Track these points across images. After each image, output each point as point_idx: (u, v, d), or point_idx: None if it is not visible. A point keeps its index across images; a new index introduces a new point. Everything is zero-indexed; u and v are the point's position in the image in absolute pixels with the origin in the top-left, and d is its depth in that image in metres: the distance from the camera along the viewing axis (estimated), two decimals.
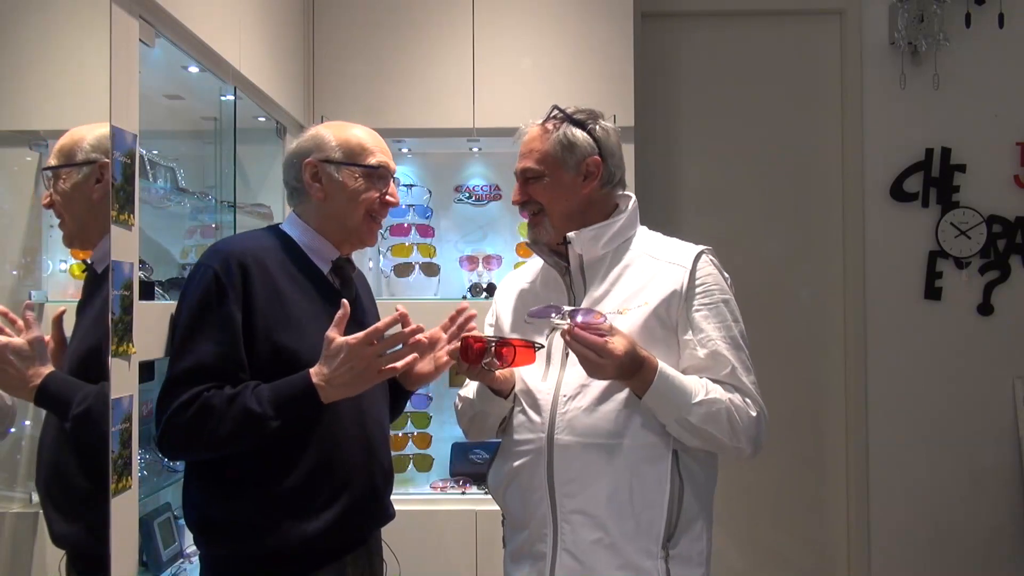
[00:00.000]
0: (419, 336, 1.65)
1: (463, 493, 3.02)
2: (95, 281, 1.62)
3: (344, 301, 1.63)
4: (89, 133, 1.63)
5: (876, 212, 3.51)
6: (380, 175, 1.78)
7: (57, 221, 1.67)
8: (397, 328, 1.63)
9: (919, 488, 3.48)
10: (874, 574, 3.48)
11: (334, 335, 1.59)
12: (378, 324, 1.61)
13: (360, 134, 1.80)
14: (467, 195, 3.29)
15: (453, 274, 3.25)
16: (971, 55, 3.49)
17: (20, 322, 1.51)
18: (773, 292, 3.55)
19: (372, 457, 1.76)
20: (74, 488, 1.63)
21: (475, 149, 3.29)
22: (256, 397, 1.58)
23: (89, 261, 1.67)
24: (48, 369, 1.52)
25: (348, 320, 1.75)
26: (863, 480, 3.50)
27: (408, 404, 2.19)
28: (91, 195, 1.60)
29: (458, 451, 3.14)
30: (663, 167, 3.54)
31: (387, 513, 1.85)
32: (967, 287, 3.49)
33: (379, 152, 1.79)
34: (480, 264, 3.19)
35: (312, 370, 1.60)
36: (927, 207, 3.50)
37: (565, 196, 1.75)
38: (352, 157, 1.76)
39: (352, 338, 1.58)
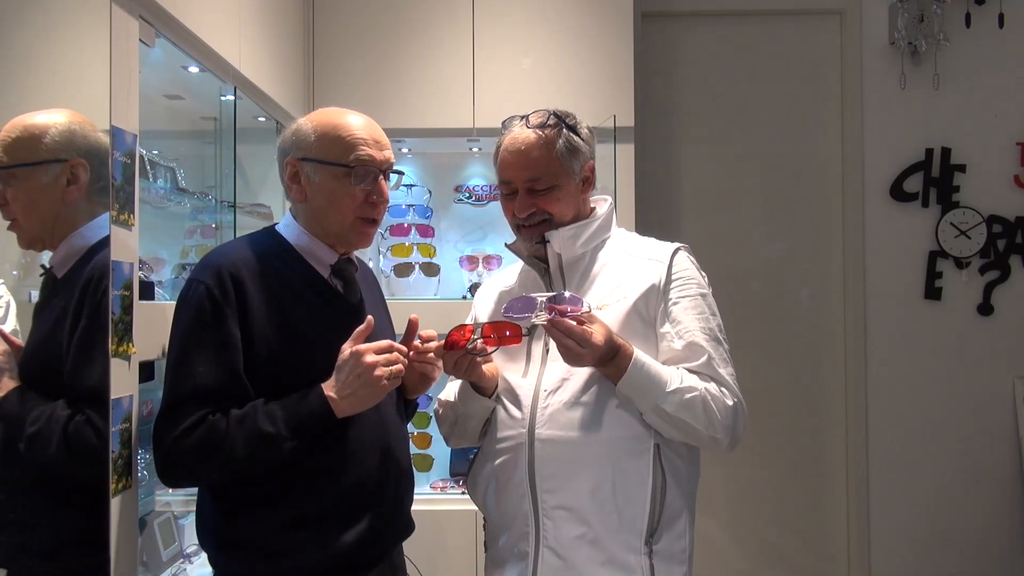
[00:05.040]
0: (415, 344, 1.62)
1: (463, 493, 3.02)
2: (54, 286, 1.55)
3: (370, 318, 1.58)
4: (52, 125, 1.51)
5: (876, 212, 3.51)
6: (359, 174, 1.60)
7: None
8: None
9: (919, 488, 3.48)
10: (874, 574, 3.48)
11: (347, 347, 1.54)
12: (393, 343, 1.57)
13: (343, 125, 1.62)
14: (467, 195, 3.29)
15: (453, 274, 3.24)
16: (971, 55, 3.48)
17: None
18: (773, 292, 3.56)
19: (394, 465, 1.68)
20: (19, 507, 1.51)
21: (475, 149, 3.29)
22: (268, 417, 1.49)
23: (48, 266, 1.56)
24: (12, 384, 1.46)
25: (357, 324, 1.71)
26: (863, 480, 3.49)
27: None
28: (62, 197, 1.51)
29: (458, 451, 3.14)
30: (663, 167, 3.54)
31: (409, 525, 1.76)
32: (967, 287, 3.49)
33: (363, 145, 1.60)
34: (480, 264, 3.19)
35: (325, 384, 1.54)
36: (927, 207, 3.50)
37: (573, 204, 1.74)
38: (328, 155, 1.60)
39: (362, 348, 1.53)
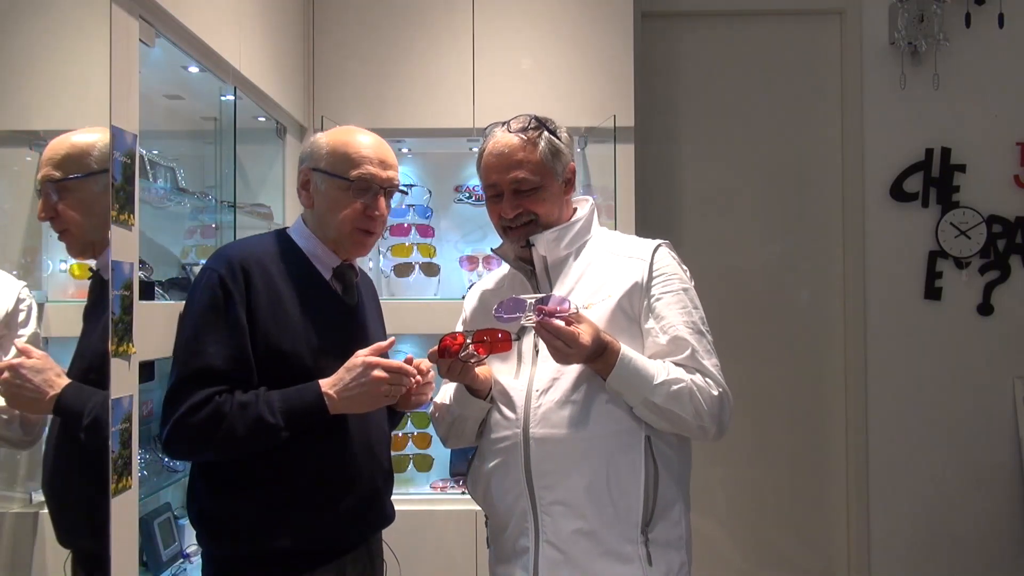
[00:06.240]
0: (418, 377, 1.73)
1: (463, 493, 3.02)
2: (103, 287, 1.62)
3: (392, 338, 1.70)
4: (98, 140, 1.61)
5: (876, 212, 3.51)
6: (359, 188, 1.73)
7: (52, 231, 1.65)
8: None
9: (919, 488, 3.48)
10: (874, 574, 3.48)
11: (363, 354, 1.65)
12: (405, 367, 1.67)
13: (353, 143, 1.75)
14: (467, 195, 3.28)
15: (453, 274, 3.24)
16: (971, 55, 3.49)
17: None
18: (773, 292, 3.56)
19: (373, 459, 1.78)
20: (80, 490, 1.63)
21: (475, 149, 3.26)
22: (268, 406, 1.59)
23: (96, 268, 1.66)
24: (65, 381, 1.54)
25: (351, 325, 1.80)
26: (863, 480, 3.50)
27: None
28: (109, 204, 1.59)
29: (458, 451, 3.14)
30: (663, 167, 3.54)
31: (387, 515, 1.85)
32: (967, 287, 3.49)
33: (367, 163, 1.73)
34: (480, 264, 3.18)
35: (324, 381, 1.64)
36: (927, 207, 3.50)
37: (557, 204, 1.79)
38: (335, 168, 1.73)
39: (375, 361, 1.64)
